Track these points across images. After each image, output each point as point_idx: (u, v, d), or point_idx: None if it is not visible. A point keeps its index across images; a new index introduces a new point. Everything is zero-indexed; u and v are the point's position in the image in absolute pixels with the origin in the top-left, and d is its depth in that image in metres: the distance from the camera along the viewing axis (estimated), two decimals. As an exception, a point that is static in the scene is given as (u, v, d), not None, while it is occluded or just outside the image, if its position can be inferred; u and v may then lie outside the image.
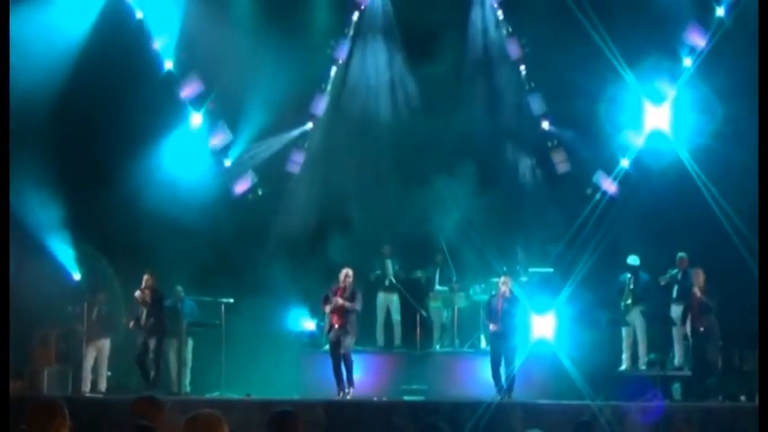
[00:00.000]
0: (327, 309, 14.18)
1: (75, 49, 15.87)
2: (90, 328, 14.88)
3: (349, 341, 14.14)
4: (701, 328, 13.51)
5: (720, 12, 16.23)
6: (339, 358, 14.09)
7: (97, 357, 15.01)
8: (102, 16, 16.24)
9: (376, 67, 17.89)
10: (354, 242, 16.67)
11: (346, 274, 14.12)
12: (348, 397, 13.97)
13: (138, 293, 14.66)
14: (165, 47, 17.01)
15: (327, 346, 14.41)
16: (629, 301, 15.04)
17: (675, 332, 14.77)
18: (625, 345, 15.23)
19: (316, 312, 15.77)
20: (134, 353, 14.66)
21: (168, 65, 17.16)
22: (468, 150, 16.92)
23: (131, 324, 14.72)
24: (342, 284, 14.09)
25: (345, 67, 17.91)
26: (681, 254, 14.81)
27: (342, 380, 14.11)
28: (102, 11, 16.28)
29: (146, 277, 14.72)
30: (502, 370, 13.87)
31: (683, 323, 14.20)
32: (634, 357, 15.20)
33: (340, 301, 13.95)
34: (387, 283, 16.45)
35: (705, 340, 13.53)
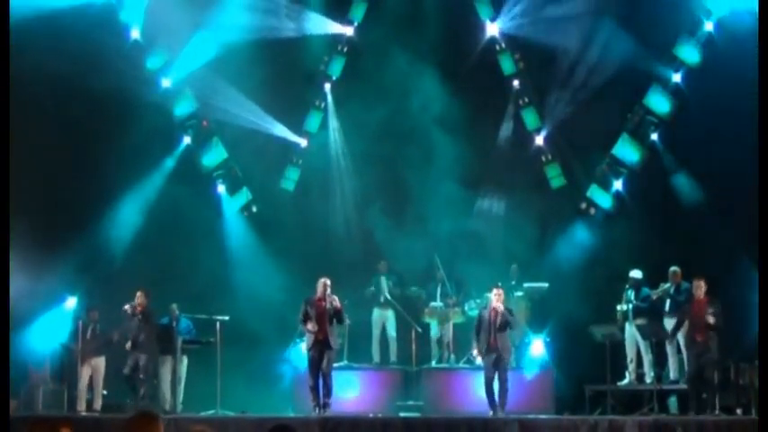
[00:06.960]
0: (310, 327, 13.67)
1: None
2: (84, 346, 14.84)
3: (333, 356, 13.87)
4: (699, 340, 13.45)
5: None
6: (318, 375, 13.73)
7: (92, 376, 14.96)
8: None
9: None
10: (351, 258, 16.73)
11: (324, 283, 13.76)
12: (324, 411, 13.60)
13: (127, 307, 14.66)
14: (160, 65, 17.09)
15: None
16: (629, 315, 14.96)
17: (668, 346, 14.74)
18: (628, 359, 15.13)
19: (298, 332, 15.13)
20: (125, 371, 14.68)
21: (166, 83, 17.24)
22: (460, 165, 16.89)
23: (128, 345, 14.71)
24: (321, 295, 13.76)
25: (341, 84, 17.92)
26: (674, 268, 14.74)
27: (318, 396, 13.71)
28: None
29: (138, 294, 14.73)
30: (495, 385, 13.78)
31: (674, 336, 14.17)
32: (638, 371, 15.09)
33: (329, 304, 13.65)
34: (382, 299, 16.38)
35: (701, 354, 13.48)
